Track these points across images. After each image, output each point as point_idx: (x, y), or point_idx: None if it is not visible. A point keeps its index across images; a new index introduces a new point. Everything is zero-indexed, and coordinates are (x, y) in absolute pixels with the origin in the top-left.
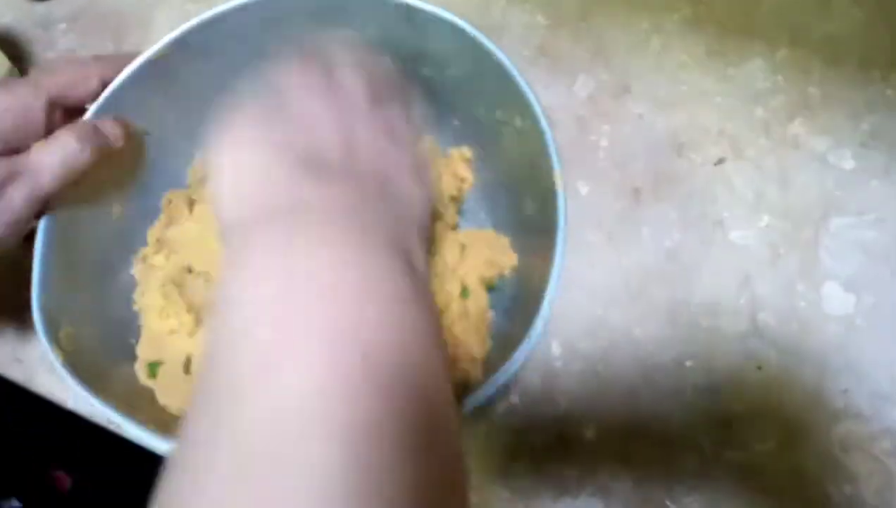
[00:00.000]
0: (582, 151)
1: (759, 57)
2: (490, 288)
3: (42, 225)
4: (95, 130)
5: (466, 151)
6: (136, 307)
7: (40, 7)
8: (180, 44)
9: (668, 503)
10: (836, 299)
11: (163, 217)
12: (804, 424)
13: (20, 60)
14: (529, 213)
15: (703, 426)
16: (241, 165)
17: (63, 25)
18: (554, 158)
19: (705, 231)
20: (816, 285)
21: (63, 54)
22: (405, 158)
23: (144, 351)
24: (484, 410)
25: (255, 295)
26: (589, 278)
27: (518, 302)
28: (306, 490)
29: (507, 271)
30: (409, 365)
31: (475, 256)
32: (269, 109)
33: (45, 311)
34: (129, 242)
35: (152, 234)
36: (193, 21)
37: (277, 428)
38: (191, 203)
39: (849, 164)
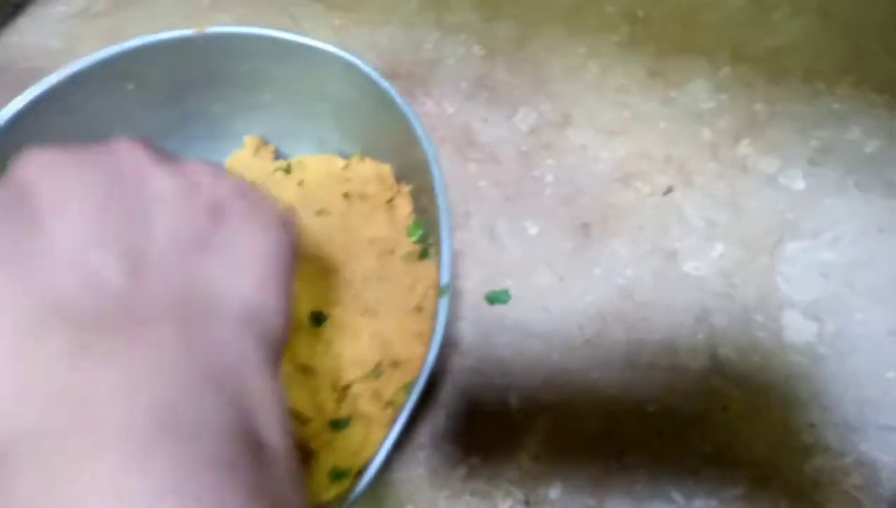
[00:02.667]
0: (528, 189)
1: (701, 76)
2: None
3: None
4: None
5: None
6: None
7: None
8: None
9: None
10: (796, 328)
11: None
12: (774, 463)
13: None
14: None
15: (671, 474)
16: None
17: None
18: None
19: (658, 265)
20: (775, 314)
21: None
22: (240, 255)
23: None
24: (445, 473)
25: None
26: (543, 324)
27: None
28: None
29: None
30: None
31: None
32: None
33: None
34: None
35: None
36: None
37: None
38: None
39: (799, 184)
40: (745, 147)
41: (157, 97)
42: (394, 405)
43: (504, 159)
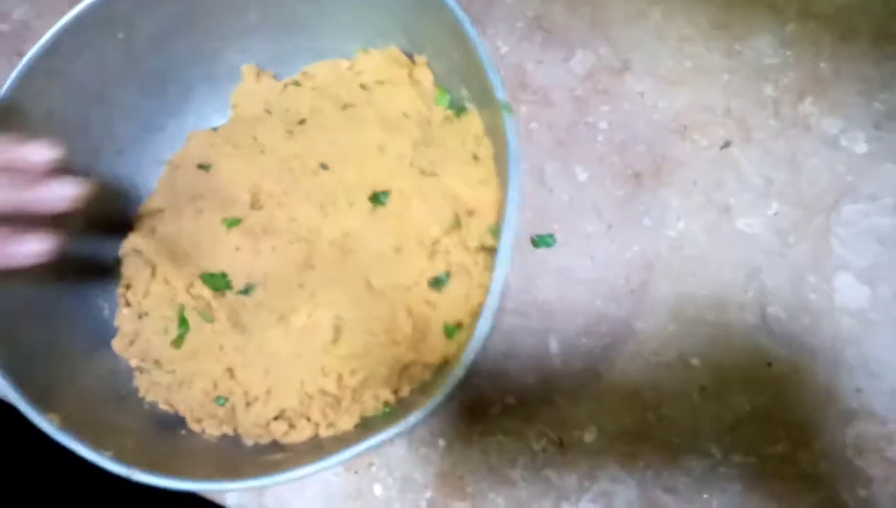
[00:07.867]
0: (580, 134)
1: (766, 31)
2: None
3: None
4: None
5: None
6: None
7: None
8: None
9: None
10: (849, 292)
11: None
12: (816, 425)
13: None
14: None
15: (709, 428)
16: None
17: None
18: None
19: (710, 219)
20: (828, 276)
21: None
22: None
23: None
24: (479, 410)
25: None
26: (588, 271)
27: None
28: None
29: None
30: None
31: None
32: None
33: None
34: None
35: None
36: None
37: None
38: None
39: (861, 147)
40: (807, 106)
41: (146, 45)
42: (484, 249)
43: (557, 103)
